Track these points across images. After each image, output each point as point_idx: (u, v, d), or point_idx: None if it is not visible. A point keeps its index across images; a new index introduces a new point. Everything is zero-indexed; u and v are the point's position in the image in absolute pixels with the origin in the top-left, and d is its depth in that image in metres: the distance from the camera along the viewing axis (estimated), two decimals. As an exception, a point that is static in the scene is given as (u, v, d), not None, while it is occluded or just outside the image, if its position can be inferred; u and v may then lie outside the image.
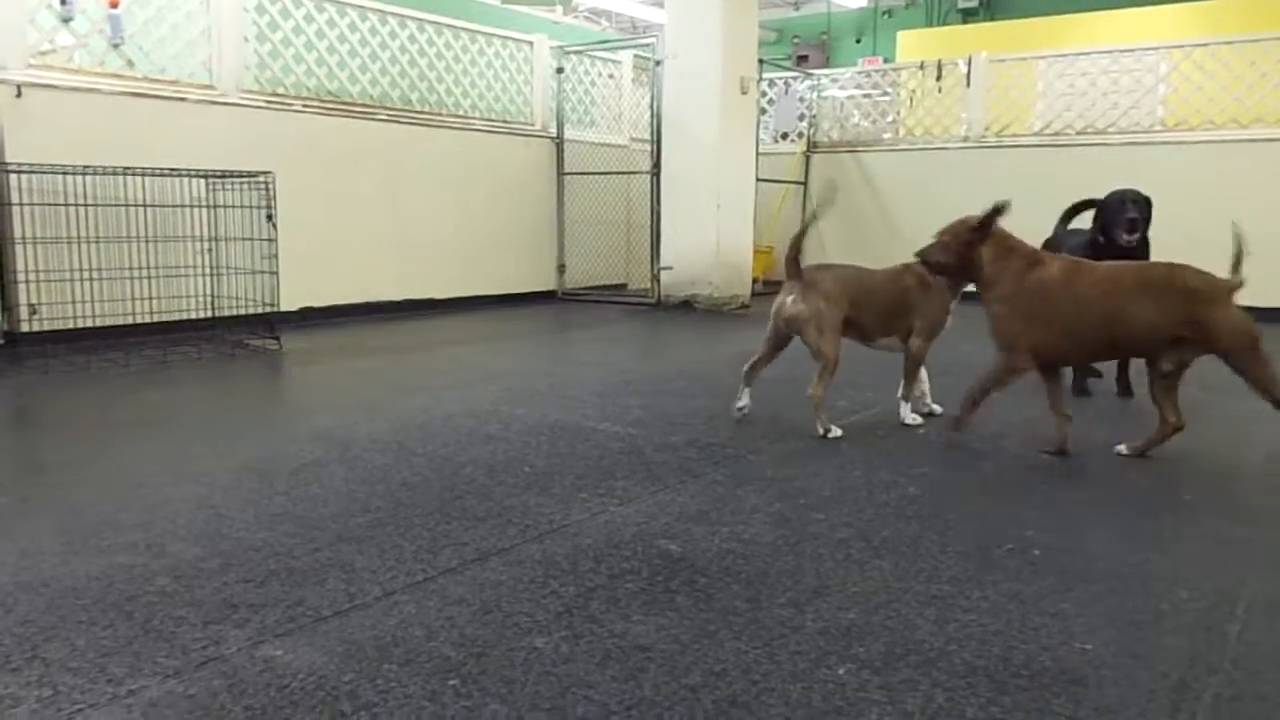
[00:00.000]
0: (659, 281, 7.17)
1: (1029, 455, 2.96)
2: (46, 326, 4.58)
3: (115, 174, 4.64)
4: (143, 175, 4.75)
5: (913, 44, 13.16)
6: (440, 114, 6.69)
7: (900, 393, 3.42)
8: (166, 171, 4.82)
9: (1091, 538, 2.23)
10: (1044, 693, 1.51)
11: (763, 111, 8.61)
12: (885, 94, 8.69)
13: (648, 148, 7.25)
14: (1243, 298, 2.77)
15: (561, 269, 7.64)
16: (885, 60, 13.47)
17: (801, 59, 15.94)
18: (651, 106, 7.16)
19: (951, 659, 1.61)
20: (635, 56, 8.21)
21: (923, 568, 2.02)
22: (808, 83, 8.83)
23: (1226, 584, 1.96)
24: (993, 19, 14.74)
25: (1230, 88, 6.80)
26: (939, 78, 7.92)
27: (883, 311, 3.30)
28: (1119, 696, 1.50)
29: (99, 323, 4.67)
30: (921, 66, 8.11)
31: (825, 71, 9.52)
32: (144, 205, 4.85)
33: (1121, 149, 7.06)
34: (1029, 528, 2.29)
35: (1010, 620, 1.77)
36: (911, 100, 8.25)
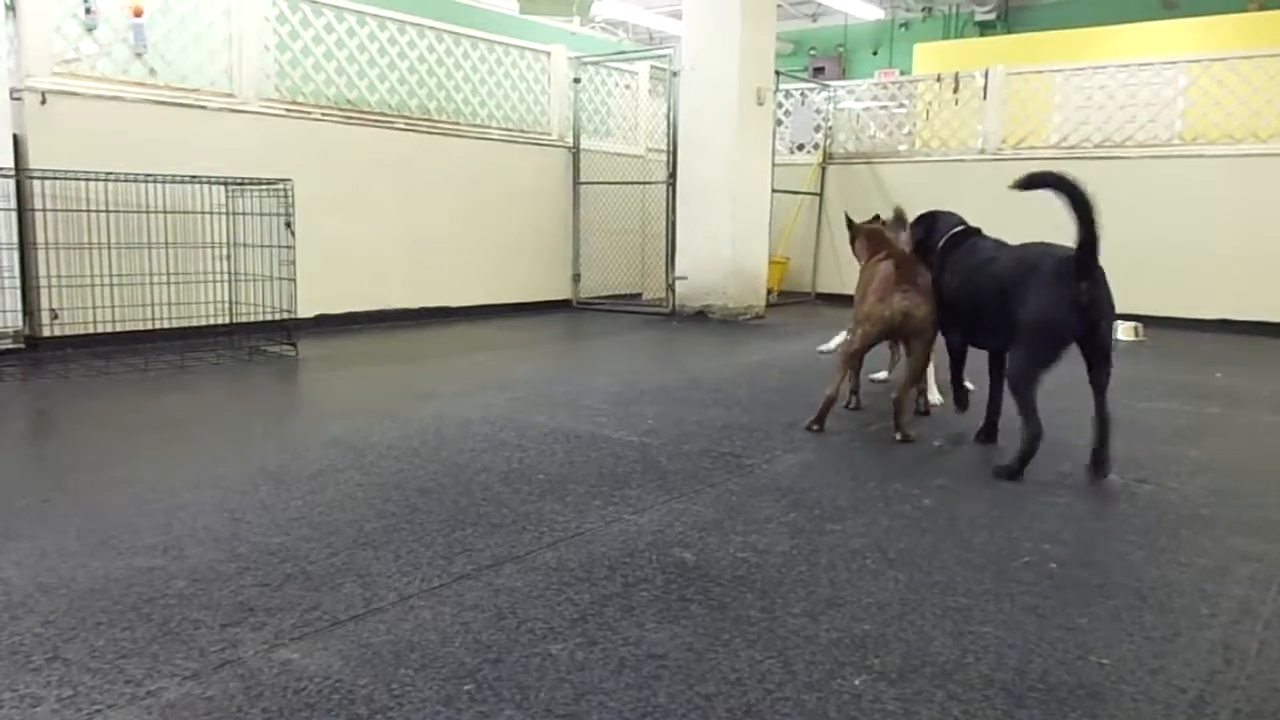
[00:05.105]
0: (674, 291, 7.17)
1: (1046, 469, 2.94)
2: (67, 331, 4.63)
3: (136, 180, 4.69)
4: (163, 182, 4.80)
5: (929, 57, 13.15)
6: (458, 123, 6.72)
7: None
8: (186, 178, 4.86)
9: (1109, 552, 2.22)
10: (1061, 706, 1.50)
11: (779, 123, 8.61)
12: (901, 106, 8.68)
13: (664, 158, 7.27)
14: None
15: (576, 278, 7.65)
16: (901, 73, 13.46)
17: (818, 70, 15.94)
18: (668, 117, 7.18)
19: (967, 671, 1.61)
20: (652, 67, 8.24)
21: (938, 580, 2.02)
22: (824, 94, 8.84)
23: (1246, 600, 1.95)
24: (1009, 32, 14.72)
25: (1249, 102, 6.76)
26: (956, 90, 7.91)
27: None
28: (1136, 712, 1.49)
29: (118, 328, 4.71)
30: (939, 79, 8.11)
31: (842, 83, 9.52)
32: (164, 211, 4.90)
33: (1139, 162, 7.03)
34: (1046, 541, 2.28)
35: (1027, 634, 1.76)
36: (928, 112, 8.24)
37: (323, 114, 5.83)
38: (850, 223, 3.98)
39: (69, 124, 4.66)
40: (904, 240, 3.65)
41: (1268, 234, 6.46)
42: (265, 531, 2.22)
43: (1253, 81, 6.77)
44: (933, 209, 3.50)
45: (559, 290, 7.57)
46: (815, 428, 3.37)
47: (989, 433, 3.32)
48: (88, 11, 4.74)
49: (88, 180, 4.54)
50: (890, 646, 1.70)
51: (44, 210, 4.48)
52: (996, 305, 2.94)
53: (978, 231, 3.33)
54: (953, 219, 3.39)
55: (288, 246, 4.89)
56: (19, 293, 4.50)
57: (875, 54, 17.08)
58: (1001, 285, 2.93)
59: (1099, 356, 2.82)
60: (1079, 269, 2.71)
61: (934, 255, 3.31)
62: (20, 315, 4.53)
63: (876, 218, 4.06)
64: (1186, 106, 7.11)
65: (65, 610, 1.77)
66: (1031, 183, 2.72)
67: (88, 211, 4.62)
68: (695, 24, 6.93)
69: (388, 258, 6.26)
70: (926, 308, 3.17)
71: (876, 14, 16.17)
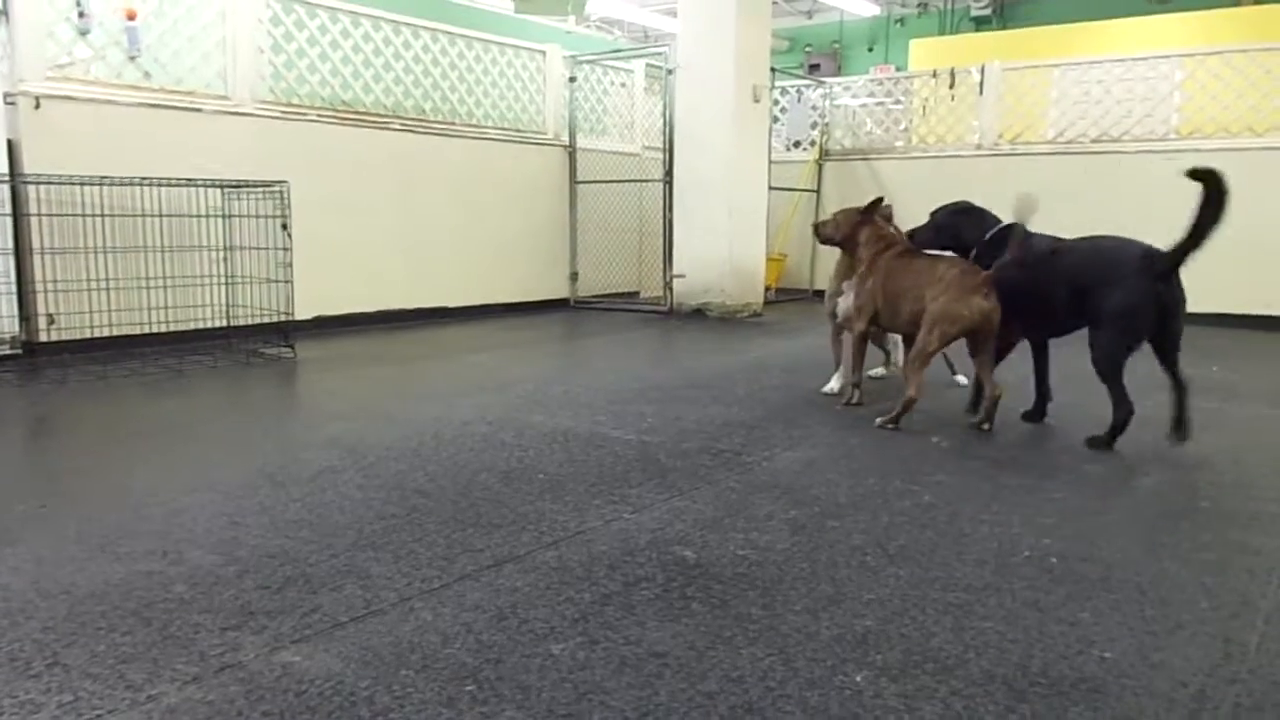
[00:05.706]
0: (671, 289, 7.17)
1: (1045, 463, 2.94)
2: (64, 336, 4.62)
3: (131, 184, 4.68)
4: (159, 185, 4.78)
5: (925, 52, 13.15)
6: (453, 123, 6.71)
7: None
8: (182, 181, 4.85)
9: (1109, 546, 2.22)
10: (1062, 700, 1.50)
11: (775, 120, 8.61)
12: (898, 102, 8.68)
13: (660, 156, 7.27)
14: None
15: (574, 277, 7.65)
16: (897, 69, 13.46)
17: (814, 67, 15.97)
18: (664, 115, 7.18)
19: (969, 666, 1.61)
20: (647, 65, 8.23)
21: (939, 575, 2.02)
22: (820, 91, 8.84)
23: (1246, 594, 1.95)
24: (1005, 27, 14.73)
25: (1246, 95, 6.77)
26: (952, 86, 7.91)
27: None
28: (1138, 705, 1.49)
29: (115, 332, 4.70)
30: (934, 75, 8.11)
31: (837, 80, 9.52)
32: (160, 215, 4.89)
33: (1135, 157, 7.03)
34: (1046, 536, 2.28)
35: (1028, 628, 1.76)
36: (924, 109, 8.24)
37: (318, 115, 5.82)
38: (873, 204, 3.77)
39: (63, 128, 4.65)
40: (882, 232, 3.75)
41: (1264, 228, 6.47)
42: (265, 534, 2.22)
43: (1248, 75, 6.77)
44: (966, 202, 3.63)
45: (556, 289, 7.56)
46: (891, 426, 3.39)
47: (1039, 412, 3.54)
48: (81, 15, 4.72)
49: (83, 185, 4.53)
50: (891, 642, 1.69)
51: (39, 215, 4.47)
52: (1074, 297, 3.12)
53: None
54: (991, 215, 3.53)
55: (284, 249, 4.88)
56: (15, 298, 4.49)
57: (871, 50, 17.09)
58: (1083, 278, 3.12)
59: (1168, 348, 3.12)
60: (1163, 270, 2.98)
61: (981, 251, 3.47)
62: (17, 320, 4.52)
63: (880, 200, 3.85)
64: (1182, 101, 7.10)
65: (65, 615, 1.77)
66: (1195, 174, 2.97)
67: (83, 216, 4.61)
68: (690, 22, 6.92)
69: (385, 258, 6.26)
70: (998, 306, 3.29)
71: (872, 10, 16.18)
